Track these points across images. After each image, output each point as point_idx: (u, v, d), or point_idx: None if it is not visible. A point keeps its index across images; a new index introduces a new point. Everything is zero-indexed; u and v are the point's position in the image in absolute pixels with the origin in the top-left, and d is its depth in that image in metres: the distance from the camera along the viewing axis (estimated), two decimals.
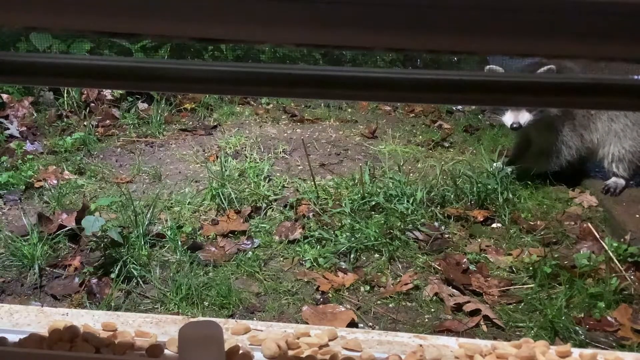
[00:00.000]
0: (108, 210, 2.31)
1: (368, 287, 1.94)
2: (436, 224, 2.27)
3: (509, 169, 2.56)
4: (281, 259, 2.09)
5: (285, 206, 2.37)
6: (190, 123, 3.26)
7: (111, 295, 1.88)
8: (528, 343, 0.92)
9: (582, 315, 1.79)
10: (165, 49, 3.74)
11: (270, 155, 2.81)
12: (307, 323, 1.72)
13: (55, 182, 2.55)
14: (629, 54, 0.51)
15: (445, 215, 2.32)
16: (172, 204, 2.39)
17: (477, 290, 1.92)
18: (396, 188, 2.40)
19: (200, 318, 1.10)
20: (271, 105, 3.51)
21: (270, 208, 2.37)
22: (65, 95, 3.28)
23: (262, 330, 0.94)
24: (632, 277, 1.94)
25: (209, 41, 0.53)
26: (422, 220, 2.27)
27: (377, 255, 2.10)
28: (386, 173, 2.58)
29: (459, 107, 3.56)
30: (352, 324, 1.75)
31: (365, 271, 2.01)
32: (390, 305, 1.87)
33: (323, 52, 3.72)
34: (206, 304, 1.85)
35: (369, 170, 2.58)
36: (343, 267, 2.03)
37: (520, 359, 0.87)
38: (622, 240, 2.11)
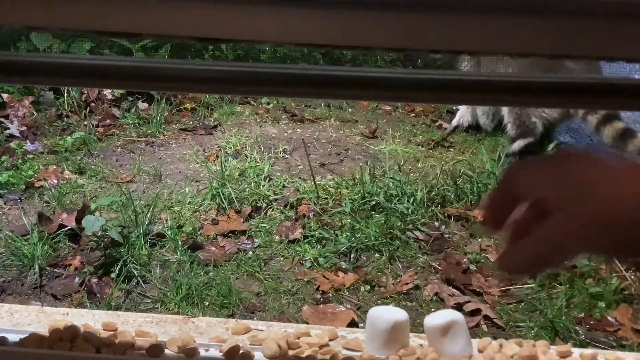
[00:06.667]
0: (108, 210, 2.31)
1: (368, 287, 1.94)
2: (436, 223, 2.27)
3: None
4: (281, 258, 2.09)
5: (285, 206, 2.37)
6: (191, 123, 3.25)
7: (111, 294, 1.88)
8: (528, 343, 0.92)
9: (583, 315, 1.79)
10: (166, 49, 3.73)
11: (270, 155, 2.81)
12: (307, 323, 1.72)
13: (55, 181, 2.55)
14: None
15: (446, 215, 2.32)
16: (172, 203, 2.39)
17: (478, 290, 1.92)
18: (396, 188, 2.40)
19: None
20: (271, 105, 3.50)
21: (270, 208, 2.37)
22: (65, 94, 3.27)
23: (262, 330, 0.94)
24: (632, 277, 1.94)
25: (209, 41, 0.53)
26: (423, 220, 2.26)
27: (377, 255, 2.10)
28: (386, 173, 2.58)
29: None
30: (353, 324, 1.75)
31: (365, 271, 2.01)
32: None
33: (323, 52, 3.71)
34: (206, 303, 1.85)
35: (369, 170, 2.58)
36: (343, 266, 2.03)
37: (521, 358, 0.87)
38: None
